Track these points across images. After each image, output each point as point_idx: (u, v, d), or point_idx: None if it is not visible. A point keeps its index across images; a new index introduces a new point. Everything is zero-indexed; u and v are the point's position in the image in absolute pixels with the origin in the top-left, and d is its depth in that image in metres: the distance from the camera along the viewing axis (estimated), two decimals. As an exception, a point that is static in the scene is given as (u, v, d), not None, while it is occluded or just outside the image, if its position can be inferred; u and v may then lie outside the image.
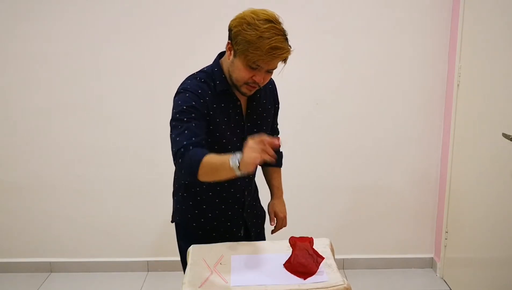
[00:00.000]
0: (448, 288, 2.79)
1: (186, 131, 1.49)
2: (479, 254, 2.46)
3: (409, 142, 2.85)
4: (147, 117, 2.80)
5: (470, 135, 2.51)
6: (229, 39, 1.52)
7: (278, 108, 1.83)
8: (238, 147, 1.64)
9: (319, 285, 1.41)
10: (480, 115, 2.39)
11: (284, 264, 1.51)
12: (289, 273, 1.48)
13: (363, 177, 2.90)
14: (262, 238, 1.91)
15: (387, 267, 3.01)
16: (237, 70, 1.52)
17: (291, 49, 1.46)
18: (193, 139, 1.47)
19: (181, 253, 1.80)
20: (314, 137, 2.85)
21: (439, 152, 2.87)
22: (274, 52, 1.43)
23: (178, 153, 1.46)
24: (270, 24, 1.43)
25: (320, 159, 2.88)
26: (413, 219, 2.97)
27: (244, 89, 1.56)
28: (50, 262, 3.02)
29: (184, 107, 1.52)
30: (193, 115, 1.52)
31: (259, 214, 1.90)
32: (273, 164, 1.87)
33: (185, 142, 1.46)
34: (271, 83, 1.78)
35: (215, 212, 1.72)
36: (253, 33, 1.42)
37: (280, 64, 1.51)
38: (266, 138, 1.34)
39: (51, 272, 3.02)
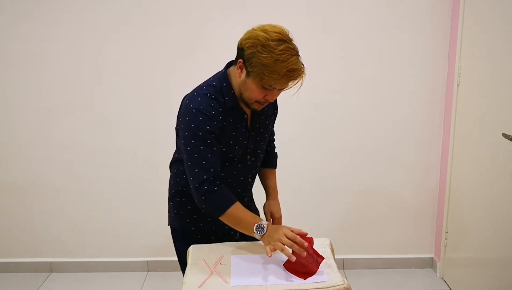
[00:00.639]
0: (448, 288, 2.79)
1: (204, 162, 1.54)
2: (479, 254, 2.46)
3: (409, 142, 2.85)
4: (147, 117, 2.80)
5: (470, 135, 2.51)
6: (240, 58, 1.51)
7: (277, 113, 1.85)
8: (241, 156, 1.68)
9: (319, 285, 1.41)
10: (480, 115, 2.39)
11: (284, 264, 1.51)
12: (289, 273, 1.48)
13: (363, 177, 2.90)
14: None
15: (387, 267, 3.01)
16: (249, 90, 1.52)
17: (304, 68, 1.46)
18: (212, 171, 1.54)
19: (179, 258, 1.80)
20: (314, 137, 2.84)
21: (439, 152, 2.87)
22: (290, 74, 1.43)
23: (201, 189, 1.54)
24: (285, 45, 1.42)
25: (320, 159, 2.88)
26: (413, 219, 2.97)
27: (254, 106, 1.58)
28: (50, 262, 3.02)
29: (200, 134, 1.53)
30: (208, 141, 1.54)
31: None
32: (268, 165, 1.90)
33: (205, 176, 1.53)
34: None
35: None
36: (269, 56, 1.41)
37: (292, 84, 1.50)
38: (299, 239, 1.46)
39: (51, 272, 3.02)
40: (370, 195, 2.93)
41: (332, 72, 2.76)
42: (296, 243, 1.45)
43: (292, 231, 1.50)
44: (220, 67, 1.67)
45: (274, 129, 1.93)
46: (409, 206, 2.95)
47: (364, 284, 2.85)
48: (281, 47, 1.41)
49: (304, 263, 1.47)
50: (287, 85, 1.49)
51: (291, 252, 1.46)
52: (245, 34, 1.49)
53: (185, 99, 1.65)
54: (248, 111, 1.65)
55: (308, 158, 2.88)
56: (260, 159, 1.79)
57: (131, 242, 2.99)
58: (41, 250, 3.00)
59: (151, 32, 2.70)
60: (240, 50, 1.50)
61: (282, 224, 1.88)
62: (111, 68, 2.74)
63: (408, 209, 2.95)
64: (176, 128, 1.68)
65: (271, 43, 1.41)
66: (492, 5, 2.28)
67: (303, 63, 1.47)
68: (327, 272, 1.48)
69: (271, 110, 1.78)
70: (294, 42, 1.47)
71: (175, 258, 1.83)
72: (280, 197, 1.92)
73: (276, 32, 1.44)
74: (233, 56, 1.59)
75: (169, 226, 1.84)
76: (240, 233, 1.80)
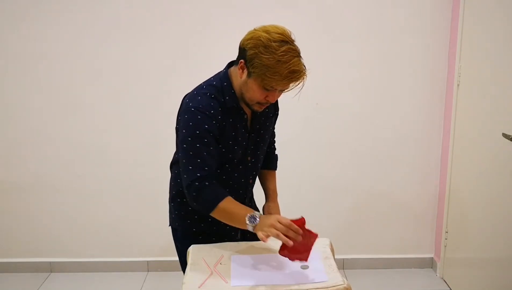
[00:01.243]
0: (448, 288, 2.79)
1: (198, 160, 1.53)
2: (479, 254, 2.46)
3: (409, 142, 2.85)
4: (148, 117, 2.80)
5: (470, 135, 2.51)
6: (241, 58, 1.50)
7: (277, 114, 1.84)
8: (241, 157, 1.67)
9: (319, 285, 1.41)
10: (480, 115, 2.39)
11: (279, 252, 1.48)
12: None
13: (363, 177, 2.90)
14: (257, 237, 1.91)
15: (387, 267, 3.01)
16: (251, 90, 1.52)
17: (306, 70, 1.46)
18: (206, 169, 1.53)
19: (180, 258, 1.80)
20: (314, 137, 2.84)
21: (439, 152, 2.87)
22: (292, 76, 1.42)
23: (192, 186, 1.53)
24: (287, 46, 1.41)
25: (320, 159, 2.88)
26: (413, 219, 2.97)
27: (255, 107, 1.58)
28: (50, 262, 3.02)
29: (197, 132, 1.52)
30: (205, 140, 1.53)
31: None
32: (268, 167, 1.89)
33: (198, 174, 1.52)
34: None
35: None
36: (271, 57, 1.40)
37: (293, 85, 1.50)
38: (294, 226, 1.42)
39: (51, 272, 3.02)
40: (370, 195, 2.93)
41: (332, 72, 2.76)
42: (290, 229, 1.43)
43: (285, 218, 1.46)
44: (220, 67, 1.67)
45: (274, 129, 1.93)
46: (409, 206, 2.95)
47: (364, 284, 2.85)
48: (283, 48, 1.41)
49: (298, 247, 1.44)
50: (288, 87, 1.49)
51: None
52: (247, 35, 1.49)
53: (185, 98, 1.65)
54: (248, 112, 1.64)
55: (308, 158, 2.88)
56: (261, 160, 1.79)
57: (131, 242, 2.99)
58: (41, 250, 3.00)
59: (151, 32, 2.70)
60: (242, 50, 1.49)
61: None
62: (111, 68, 2.74)
63: (408, 209, 2.95)
64: (176, 127, 1.68)
65: (273, 44, 1.41)
66: (492, 5, 2.28)
67: (305, 64, 1.47)
68: (327, 272, 1.47)
69: (272, 111, 1.77)
70: (296, 43, 1.46)
71: (175, 258, 1.83)
72: (280, 197, 1.92)
73: (278, 33, 1.43)
74: (233, 56, 1.59)
75: (170, 226, 1.84)
76: (241, 233, 1.80)
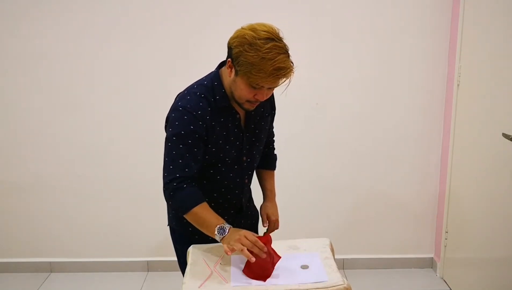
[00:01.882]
0: (448, 288, 2.79)
1: (180, 160, 1.53)
2: (479, 254, 2.46)
3: (409, 142, 2.85)
4: (147, 117, 2.79)
5: (470, 135, 2.51)
6: (229, 57, 1.50)
7: (274, 114, 1.83)
8: (236, 158, 1.66)
9: (319, 285, 1.40)
10: (480, 115, 2.39)
11: (243, 270, 1.48)
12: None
13: (363, 177, 2.90)
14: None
15: (387, 267, 3.01)
16: (239, 89, 1.51)
17: (293, 67, 1.45)
18: (186, 170, 1.53)
19: (178, 258, 1.80)
20: (313, 137, 2.84)
21: (439, 152, 2.87)
22: (277, 73, 1.41)
23: (170, 186, 1.54)
24: (272, 43, 1.40)
25: (320, 159, 2.88)
26: (413, 219, 2.97)
27: (246, 106, 1.57)
28: (50, 262, 3.02)
29: (183, 132, 1.52)
30: (189, 141, 1.53)
31: (252, 214, 1.90)
32: (267, 167, 1.89)
33: (177, 174, 1.53)
34: None
35: None
36: (255, 54, 1.40)
37: (281, 82, 1.48)
38: (260, 243, 1.44)
39: (51, 272, 3.02)
40: (370, 195, 2.93)
41: (332, 72, 2.76)
42: (256, 245, 1.44)
43: (253, 235, 1.47)
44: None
45: (274, 129, 1.92)
46: (409, 206, 2.95)
47: (364, 284, 2.85)
48: (268, 45, 1.40)
49: (262, 265, 1.45)
50: (276, 84, 1.47)
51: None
52: (234, 33, 1.48)
53: (177, 97, 1.65)
54: (241, 112, 1.63)
55: (308, 158, 2.87)
56: (257, 160, 1.78)
57: (131, 242, 2.99)
58: (41, 250, 3.00)
59: (151, 32, 2.70)
60: (229, 49, 1.49)
61: (279, 227, 1.88)
62: (111, 68, 2.74)
63: (408, 209, 2.95)
64: (164, 125, 1.66)
65: (258, 41, 1.40)
66: (492, 5, 2.27)
67: (293, 61, 1.45)
68: (327, 272, 1.47)
69: (268, 110, 1.76)
70: (285, 41, 1.45)
71: (175, 258, 1.83)
72: (280, 197, 1.92)
73: (265, 31, 1.42)
74: (231, 56, 1.59)
75: (168, 226, 1.84)
76: None
